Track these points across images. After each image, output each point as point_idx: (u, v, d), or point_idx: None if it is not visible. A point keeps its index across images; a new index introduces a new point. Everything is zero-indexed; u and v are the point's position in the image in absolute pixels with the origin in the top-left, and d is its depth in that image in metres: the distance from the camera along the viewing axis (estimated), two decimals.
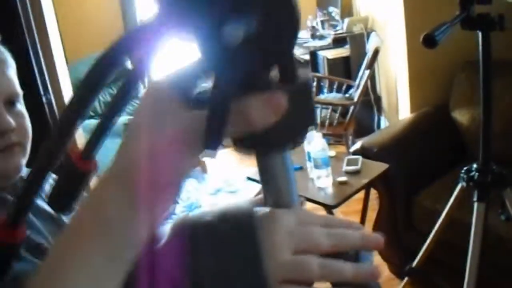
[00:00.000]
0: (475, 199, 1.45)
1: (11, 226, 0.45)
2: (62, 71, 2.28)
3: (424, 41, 1.22)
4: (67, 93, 2.35)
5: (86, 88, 0.40)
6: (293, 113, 0.39)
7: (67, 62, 2.69)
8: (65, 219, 0.91)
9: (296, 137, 0.43)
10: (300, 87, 0.40)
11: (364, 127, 4.08)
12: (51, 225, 0.87)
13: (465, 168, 1.52)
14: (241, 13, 0.34)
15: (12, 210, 0.44)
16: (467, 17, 1.31)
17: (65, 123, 0.42)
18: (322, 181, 2.30)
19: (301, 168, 2.44)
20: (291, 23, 0.36)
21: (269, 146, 0.43)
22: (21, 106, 0.86)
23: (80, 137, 2.39)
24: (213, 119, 0.36)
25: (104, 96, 4.35)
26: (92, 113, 4.15)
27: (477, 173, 1.45)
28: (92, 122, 3.50)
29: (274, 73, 0.39)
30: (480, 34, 1.32)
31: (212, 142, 0.36)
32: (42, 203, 0.89)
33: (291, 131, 0.42)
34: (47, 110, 2.14)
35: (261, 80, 0.39)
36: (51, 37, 2.18)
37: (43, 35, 2.14)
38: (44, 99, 2.10)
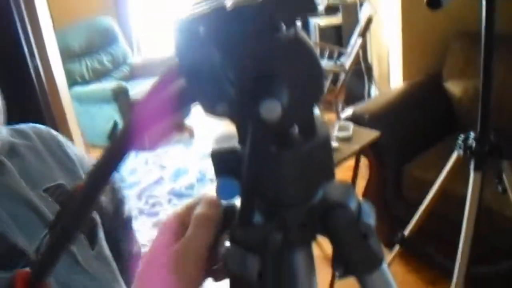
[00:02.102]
0: (472, 167, 1.45)
1: (34, 283, 0.42)
2: (48, 37, 2.24)
3: (427, 1, 1.19)
4: (54, 59, 2.31)
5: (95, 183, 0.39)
6: (313, 167, 0.40)
7: (54, 28, 2.63)
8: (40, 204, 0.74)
9: (316, 190, 0.42)
10: (320, 142, 0.41)
11: (354, 96, 4.08)
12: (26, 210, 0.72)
13: (462, 136, 1.50)
14: (275, 87, 0.35)
15: (36, 267, 0.42)
16: None
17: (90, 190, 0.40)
18: None
19: None
20: (319, 87, 0.38)
21: (287, 205, 0.43)
22: None
23: (70, 111, 2.35)
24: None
25: (92, 62, 4.26)
26: (79, 79, 4.07)
27: (474, 142, 1.44)
28: (79, 89, 3.46)
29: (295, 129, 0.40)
30: (484, 1, 1.29)
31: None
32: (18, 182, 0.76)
33: (310, 183, 0.42)
34: (33, 75, 2.10)
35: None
36: (37, 2, 2.12)
37: (29, 1, 2.09)
38: (30, 64, 2.06)
